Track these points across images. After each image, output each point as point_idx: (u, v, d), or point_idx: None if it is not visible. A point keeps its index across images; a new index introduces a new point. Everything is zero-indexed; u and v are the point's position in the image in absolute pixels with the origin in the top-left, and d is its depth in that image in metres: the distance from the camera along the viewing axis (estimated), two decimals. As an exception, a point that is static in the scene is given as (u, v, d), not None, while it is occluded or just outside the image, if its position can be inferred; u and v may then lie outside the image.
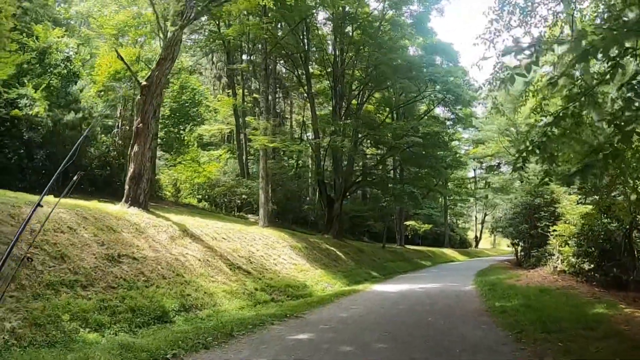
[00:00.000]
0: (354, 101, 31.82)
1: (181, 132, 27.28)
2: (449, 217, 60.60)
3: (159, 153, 27.28)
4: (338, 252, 23.76)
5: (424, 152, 30.69)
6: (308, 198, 39.53)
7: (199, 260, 13.01)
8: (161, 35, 17.21)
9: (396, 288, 17.44)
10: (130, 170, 14.55)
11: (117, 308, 9.05)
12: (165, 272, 11.43)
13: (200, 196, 29.41)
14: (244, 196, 30.07)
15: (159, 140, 26.39)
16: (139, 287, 10.25)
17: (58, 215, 11.11)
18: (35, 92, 16.54)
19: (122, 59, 16.14)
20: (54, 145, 17.06)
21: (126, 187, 14.61)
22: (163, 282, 10.85)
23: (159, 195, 25.55)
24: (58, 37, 18.96)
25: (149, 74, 15.63)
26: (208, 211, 26.82)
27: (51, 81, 17.91)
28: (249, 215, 29.42)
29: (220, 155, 33.38)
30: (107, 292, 9.59)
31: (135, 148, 14.57)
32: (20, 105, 16.07)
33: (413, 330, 9.02)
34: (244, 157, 33.72)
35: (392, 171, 39.88)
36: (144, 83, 15.08)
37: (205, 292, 11.44)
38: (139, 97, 15.49)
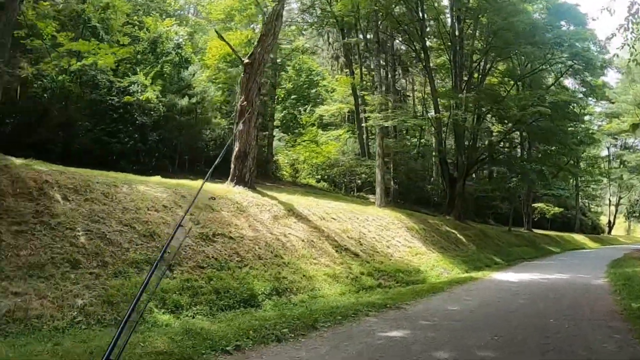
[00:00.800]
0: (475, 74, 29.21)
1: (300, 113, 27.06)
2: (580, 200, 53.90)
3: (277, 134, 27.35)
4: (459, 235, 21.69)
5: (552, 125, 27.11)
6: (432, 178, 37.45)
7: (302, 240, 12.18)
8: (262, 12, 16.69)
9: (518, 277, 15.18)
10: (236, 149, 14.26)
11: (200, 289, 8.53)
12: (262, 252, 10.76)
13: (319, 176, 29.12)
14: (363, 175, 29.15)
15: (276, 121, 26.36)
16: (230, 267, 9.68)
17: (154, 194, 11.04)
18: (146, 79, 17.08)
19: (222, 38, 15.95)
20: (167, 129, 17.54)
21: (232, 165, 14.36)
22: (258, 264, 10.18)
23: (277, 176, 25.58)
24: (167, 27, 19.54)
25: (251, 51, 15.22)
26: (326, 191, 26.36)
27: (163, 68, 18.45)
28: (369, 196, 28.35)
29: (340, 134, 32.67)
30: (194, 272, 9.13)
31: (240, 126, 14.24)
32: (131, 91, 16.67)
33: (530, 334, 7.18)
34: (364, 136, 32.67)
35: (518, 148, 36.56)
36: (247, 61, 14.67)
37: (303, 275, 10.56)
38: (242, 75, 15.15)
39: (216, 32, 17.16)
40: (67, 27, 13.97)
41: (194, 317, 7.65)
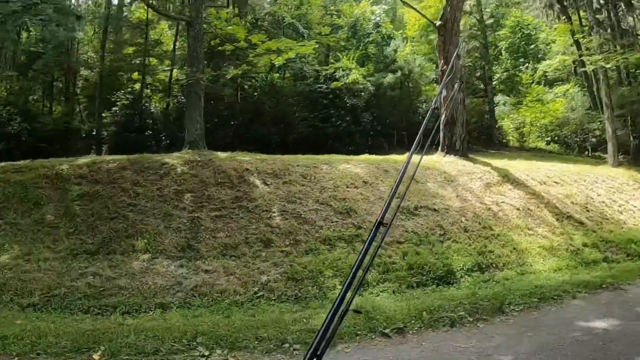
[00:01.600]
0: None
1: (520, 72, 24.01)
2: None
3: (498, 98, 24.73)
4: None
5: None
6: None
7: (517, 209, 10.51)
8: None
9: None
10: (442, 116, 13.07)
11: (392, 265, 7.92)
12: (469, 224, 9.56)
13: (548, 138, 25.30)
14: (597, 132, 24.31)
15: (495, 83, 23.90)
16: (430, 242, 8.81)
17: (354, 171, 10.75)
18: (350, 62, 17.07)
19: (406, 3, 14.77)
20: (378, 107, 17.22)
21: (440, 134, 13.26)
22: (462, 237, 9.06)
23: (502, 142, 23.16)
24: (362, 9, 19.26)
25: (441, 13, 13.86)
26: (556, 153, 22.86)
27: (367, 49, 18.25)
28: (606, 155, 23.52)
29: (567, 89, 27.99)
30: (390, 247, 8.53)
31: (444, 92, 13.00)
32: (337, 77, 16.81)
33: None
34: (594, 88, 27.29)
35: None
36: (439, 23, 13.51)
37: (514, 249, 9.06)
38: (437, 39, 13.90)
39: (402, 0, 16.11)
40: (263, 28, 15.00)
41: (378, 295, 7.00)
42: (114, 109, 16.32)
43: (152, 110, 16.95)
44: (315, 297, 6.90)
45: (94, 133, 16.33)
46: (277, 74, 16.00)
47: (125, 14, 16.49)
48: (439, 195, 10.43)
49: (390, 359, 4.34)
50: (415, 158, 1.86)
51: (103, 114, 16.68)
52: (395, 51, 18.39)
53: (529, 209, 10.68)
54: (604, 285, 7.05)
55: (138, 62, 16.70)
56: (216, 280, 7.10)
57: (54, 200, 8.16)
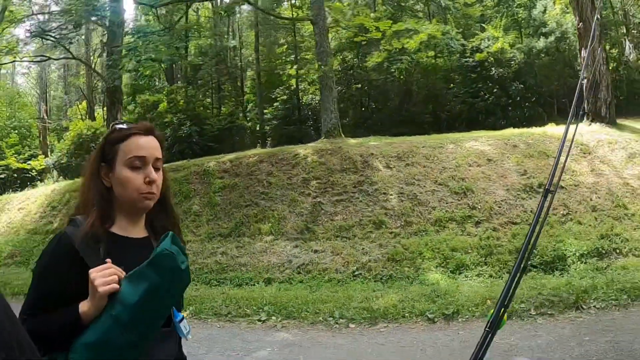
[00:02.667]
0: None
1: None
2: None
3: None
4: None
5: None
6: None
7: None
8: None
9: None
10: (584, 80, 11.89)
11: (496, 248, 7.78)
12: (599, 202, 8.71)
13: None
14: None
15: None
16: (549, 222, 8.20)
17: (481, 149, 10.62)
18: (496, 30, 16.15)
19: None
20: (531, 75, 16.03)
21: (586, 101, 12.08)
22: (589, 217, 8.31)
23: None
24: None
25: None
26: None
27: (516, 15, 16.98)
28: None
29: None
30: (501, 229, 8.40)
31: (583, 53, 11.86)
32: (482, 47, 16.09)
33: None
34: None
35: None
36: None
37: None
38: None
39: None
40: (406, 9, 15.07)
41: (471, 279, 7.08)
42: (275, 104, 18.26)
43: (310, 102, 18.44)
44: (407, 277, 7.30)
45: (257, 129, 18.51)
46: (423, 53, 15.98)
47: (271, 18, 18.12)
48: (571, 170, 9.62)
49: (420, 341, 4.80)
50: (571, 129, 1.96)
51: (265, 110, 18.81)
52: (544, 12, 16.77)
53: None
54: None
55: (291, 59, 18.34)
56: (322, 259, 7.99)
57: (200, 192, 9.96)
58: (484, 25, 17.40)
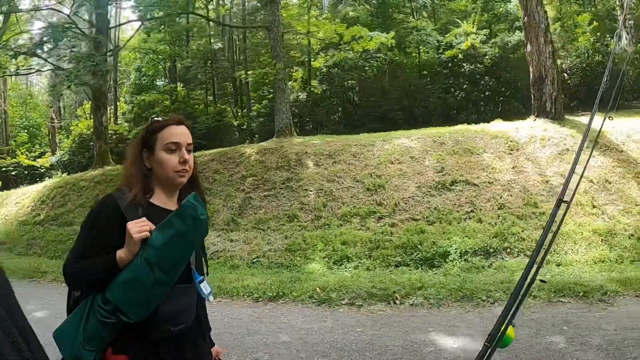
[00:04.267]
0: None
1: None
2: None
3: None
4: None
5: None
6: None
7: (590, 181, 8.96)
8: None
9: None
10: (530, 75, 12.01)
11: (384, 244, 8.25)
12: (510, 200, 8.85)
13: None
14: None
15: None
16: (449, 220, 8.60)
17: (409, 146, 10.96)
18: (470, 26, 16.17)
19: None
20: (506, 69, 16.02)
21: (532, 96, 12.16)
22: (491, 215, 8.49)
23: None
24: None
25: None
26: None
27: (495, 10, 16.86)
28: None
29: None
30: (399, 225, 8.87)
31: (528, 47, 11.94)
32: (453, 44, 16.21)
33: None
34: None
35: None
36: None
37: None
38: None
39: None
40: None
41: (347, 270, 7.72)
42: (263, 102, 19.11)
43: (294, 99, 19.14)
44: (295, 266, 8.04)
45: (245, 126, 19.39)
46: (392, 52, 16.30)
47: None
48: (490, 167, 9.82)
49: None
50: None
51: (253, 108, 19.70)
52: (518, 6, 16.59)
53: (607, 180, 8.98)
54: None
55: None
56: (233, 248, 8.94)
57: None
58: (458, 20, 17.44)
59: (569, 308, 5.33)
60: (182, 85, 20.33)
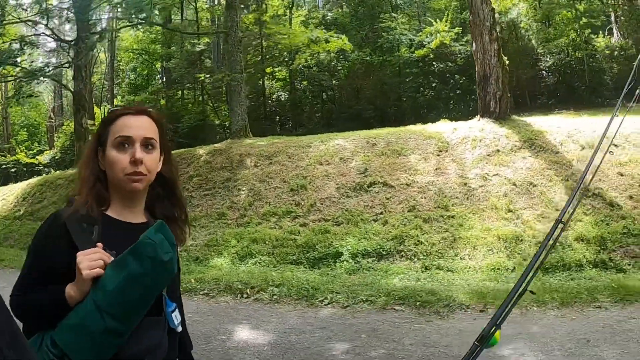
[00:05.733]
0: None
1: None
2: None
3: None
4: None
5: None
6: None
7: (513, 185, 8.85)
8: None
9: None
10: (476, 74, 12.00)
11: (286, 242, 8.75)
12: (423, 202, 8.91)
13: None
14: None
15: None
16: (355, 222, 8.81)
17: (343, 147, 11.20)
18: (443, 24, 16.17)
19: None
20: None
21: (477, 96, 12.16)
22: (397, 217, 8.59)
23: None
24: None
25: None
26: None
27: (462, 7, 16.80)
28: None
29: None
30: (310, 225, 9.32)
31: (473, 46, 11.96)
32: (424, 43, 16.29)
33: None
34: None
35: None
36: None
37: (453, 236, 7.87)
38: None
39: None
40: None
41: (247, 265, 8.32)
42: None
43: (277, 99, 19.68)
44: (207, 259, 8.80)
45: (227, 125, 20.07)
46: (363, 52, 16.54)
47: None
48: (412, 169, 9.94)
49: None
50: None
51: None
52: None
53: (531, 183, 8.74)
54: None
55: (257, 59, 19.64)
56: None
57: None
58: (431, 20, 17.45)
59: (395, 317, 5.46)
60: (174, 85, 21.18)
